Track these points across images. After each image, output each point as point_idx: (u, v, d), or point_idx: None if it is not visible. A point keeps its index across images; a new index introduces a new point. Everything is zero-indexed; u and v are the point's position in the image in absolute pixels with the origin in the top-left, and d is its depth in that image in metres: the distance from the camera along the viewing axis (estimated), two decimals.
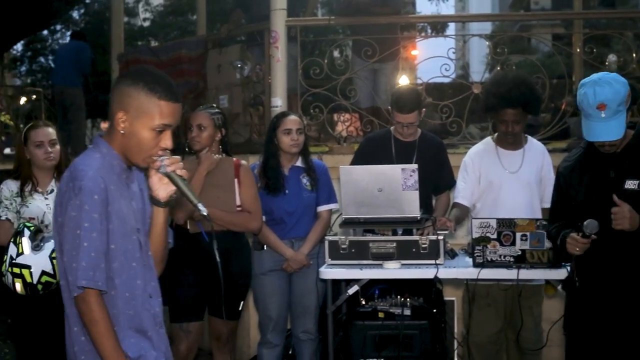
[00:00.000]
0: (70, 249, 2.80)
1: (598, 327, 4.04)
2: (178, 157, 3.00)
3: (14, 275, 4.56)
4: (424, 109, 5.60)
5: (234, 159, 5.31)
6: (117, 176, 2.94)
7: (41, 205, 4.93)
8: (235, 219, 5.16)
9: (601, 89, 3.85)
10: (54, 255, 4.56)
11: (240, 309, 5.39)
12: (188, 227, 5.15)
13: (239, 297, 5.34)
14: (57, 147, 5.02)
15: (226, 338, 5.35)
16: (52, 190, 5.00)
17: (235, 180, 5.22)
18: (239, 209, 5.19)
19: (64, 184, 2.89)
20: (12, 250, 4.58)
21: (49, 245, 4.58)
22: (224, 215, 5.07)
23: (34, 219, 4.88)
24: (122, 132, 2.90)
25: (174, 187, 3.00)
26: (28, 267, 4.55)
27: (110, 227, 2.86)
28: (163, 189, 3.01)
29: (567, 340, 4.30)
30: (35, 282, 4.56)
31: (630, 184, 3.92)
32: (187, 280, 5.15)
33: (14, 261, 4.56)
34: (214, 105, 5.62)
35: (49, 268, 4.57)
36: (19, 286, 4.58)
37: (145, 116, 2.88)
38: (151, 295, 3.04)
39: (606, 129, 3.85)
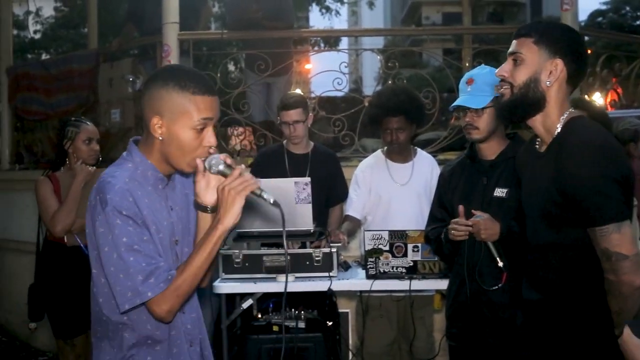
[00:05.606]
0: (109, 266, 2.62)
1: (475, 334, 4.08)
2: (226, 154, 2.75)
3: None
4: (311, 115, 5.65)
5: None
6: (152, 187, 2.76)
7: None
8: None
9: (475, 69, 4.18)
10: None
11: None
12: (65, 241, 5.10)
13: None
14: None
15: None
16: None
17: None
18: None
19: (92, 196, 2.67)
20: None
21: None
22: None
23: None
24: (160, 138, 2.69)
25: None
26: None
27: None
28: (210, 194, 2.78)
29: (450, 348, 4.36)
30: None
31: (499, 192, 4.04)
32: (69, 295, 5.06)
33: None
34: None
35: None
36: None
37: (183, 116, 2.66)
38: (184, 311, 2.88)
39: (468, 99, 4.06)
